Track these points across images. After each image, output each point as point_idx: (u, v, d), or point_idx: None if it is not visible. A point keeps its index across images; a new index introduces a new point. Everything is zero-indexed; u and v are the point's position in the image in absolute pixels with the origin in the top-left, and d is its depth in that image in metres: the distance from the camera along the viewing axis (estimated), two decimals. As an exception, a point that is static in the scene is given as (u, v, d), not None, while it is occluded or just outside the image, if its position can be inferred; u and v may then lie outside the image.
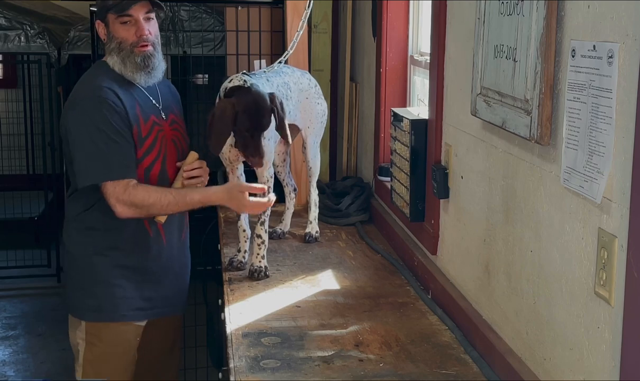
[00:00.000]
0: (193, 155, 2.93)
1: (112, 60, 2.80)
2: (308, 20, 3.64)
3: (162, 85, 2.95)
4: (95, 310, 2.87)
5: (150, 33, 2.77)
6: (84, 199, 2.84)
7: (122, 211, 2.72)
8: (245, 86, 2.97)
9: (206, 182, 2.95)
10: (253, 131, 2.94)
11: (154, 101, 2.88)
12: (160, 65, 2.84)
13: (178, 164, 2.91)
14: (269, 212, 3.24)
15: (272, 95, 3.00)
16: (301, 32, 3.59)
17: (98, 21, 2.81)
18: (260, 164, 3.07)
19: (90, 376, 2.90)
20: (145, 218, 2.83)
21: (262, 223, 3.21)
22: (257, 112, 2.93)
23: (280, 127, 3.07)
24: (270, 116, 2.98)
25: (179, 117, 3.01)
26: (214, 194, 2.90)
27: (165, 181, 2.88)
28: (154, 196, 2.73)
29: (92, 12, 5.67)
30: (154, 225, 2.89)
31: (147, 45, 2.76)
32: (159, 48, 2.83)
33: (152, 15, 2.79)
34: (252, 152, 2.99)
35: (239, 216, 3.29)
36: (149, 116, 2.83)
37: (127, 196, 2.71)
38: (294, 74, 3.45)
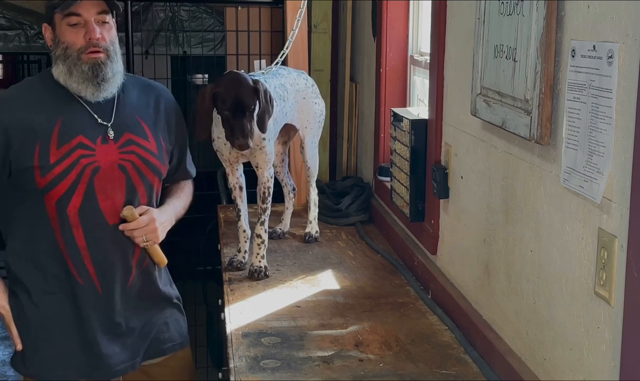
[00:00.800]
0: (127, 209, 2.36)
1: (57, 70, 2.35)
2: (308, 21, 3.64)
3: (136, 97, 2.47)
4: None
5: (103, 38, 2.31)
6: None
7: None
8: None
9: (158, 242, 2.46)
10: (235, 109, 2.87)
11: (99, 119, 2.36)
12: (115, 77, 2.36)
13: (122, 214, 2.37)
14: (269, 212, 3.24)
15: (256, 80, 2.97)
16: (297, 31, 3.59)
17: (45, 24, 2.40)
18: (246, 146, 2.88)
19: None
20: None
21: (262, 223, 3.22)
22: (237, 89, 2.88)
23: (260, 115, 2.93)
24: (253, 95, 2.90)
25: (145, 138, 2.43)
26: None
27: (96, 219, 2.34)
28: None
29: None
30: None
31: (98, 52, 2.30)
32: (117, 57, 2.36)
33: (107, 17, 2.35)
34: (235, 132, 2.86)
35: (239, 216, 3.30)
36: (72, 137, 2.31)
37: None
38: (290, 75, 3.46)
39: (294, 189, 3.78)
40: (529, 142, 2.07)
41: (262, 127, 2.97)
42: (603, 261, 1.74)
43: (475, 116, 2.46)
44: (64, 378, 2.41)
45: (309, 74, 3.91)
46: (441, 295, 2.86)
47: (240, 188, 3.28)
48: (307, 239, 3.64)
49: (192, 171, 2.72)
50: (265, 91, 2.98)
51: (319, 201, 3.74)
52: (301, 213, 3.93)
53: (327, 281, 3.17)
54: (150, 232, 2.38)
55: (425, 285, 3.05)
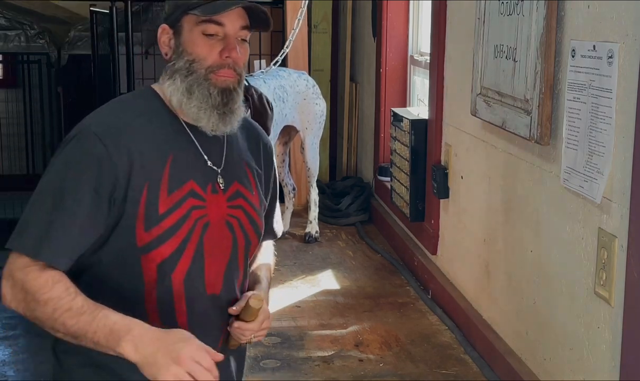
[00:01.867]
0: (257, 300, 1.76)
1: (172, 87, 1.77)
2: (308, 21, 3.64)
3: (241, 138, 1.92)
4: None
5: (240, 60, 1.79)
6: None
7: (4, 290, 1.65)
8: None
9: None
10: None
11: (209, 162, 1.81)
12: (240, 109, 1.84)
13: (233, 309, 1.77)
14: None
15: (248, 86, 2.95)
16: (297, 31, 3.59)
17: (164, 26, 1.81)
18: None
19: None
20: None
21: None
22: None
23: (260, 122, 2.76)
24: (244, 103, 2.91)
25: (250, 190, 1.88)
26: (139, 336, 1.58)
27: (199, 289, 1.76)
28: (57, 290, 1.60)
29: (92, 13, 5.68)
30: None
31: (231, 75, 1.78)
32: (243, 86, 1.84)
33: (248, 36, 1.85)
34: None
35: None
36: (184, 182, 1.75)
37: (22, 275, 1.63)
38: (290, 76, 3.46)
39: (294, 189, 3.78)
40: (529, 142, 2.07)
41: (266, 132, 2.98)
42: (603, 261, 1.74)
43: (475, 116, 2.45)
44: None
45: (309, 74, 3.92)
46: (441, 295, 2.86)
47: (241, 188, 3.28)
48: (307, 239, 3.64)
49: (279, 230, 2.09)
50: (260, 96, 2.98)
51: (319, 201, 3.74)
52: (301, 213, 3.93)
53: (327, 281, 3.17)
54: (262, 331, 1.80)
55: (425, 285, 3.05)
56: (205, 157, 1.79)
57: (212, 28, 1.75)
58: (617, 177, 1.68)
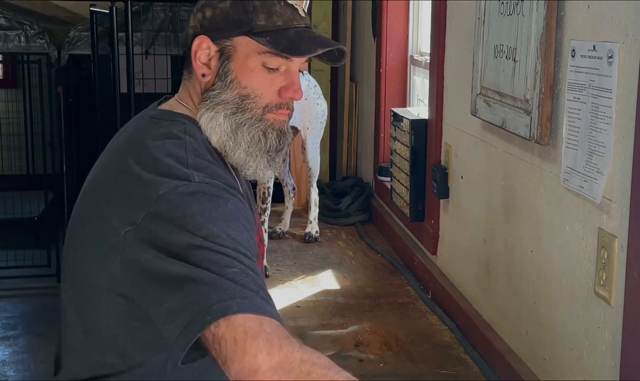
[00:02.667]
0: None
1: (213, 123, 1.42)
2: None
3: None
4: None
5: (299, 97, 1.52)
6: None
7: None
8: None
9: None
10: None
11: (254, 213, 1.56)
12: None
13: None
14: (268, 212, 3.24)
15: None
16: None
17: (204, 38, 1.43)
18: None
19: None
20: None
21: (262, 223, 3.22)
22: None
23: None
24: None
25: None
26: None
27: None
28: (304, 352, 1.24)
29: (92, 13, 5.69)
30: None
31: (288, 116, 1.52)
32: None
33: (306, 66, 1.60)
34: None
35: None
36: (257, 246, 1.47)
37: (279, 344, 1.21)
38: None
39: (294, 189, 3.78)
40: (529, 142, 2.07)
41: None
42: (603, 261, 1.74)
43: (475, 116, 2.45)
44: None
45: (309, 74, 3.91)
46: (441, 295, 2.86)
47: (241, 188, 3.28)
48: (307, 239, 3.64)
49: None
50: None
51: (319, 201, 3.74)
52: (301, 213, 3.93)
53: (327, 281, 3.17)
54: None
55: (425, 285, 3.05)
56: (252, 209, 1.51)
57: (277, 62, 1.43)
58: (617, 177, 1.68)
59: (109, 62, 4.92)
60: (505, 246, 2.33)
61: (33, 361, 5.36)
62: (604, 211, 1.74)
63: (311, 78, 3.63)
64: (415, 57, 3.87)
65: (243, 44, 1.41)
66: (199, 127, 1.43)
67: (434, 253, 3.02)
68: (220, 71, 1.43)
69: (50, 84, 6.91)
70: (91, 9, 5.71)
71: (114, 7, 4.67)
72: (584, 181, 1.79)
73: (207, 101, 1.43)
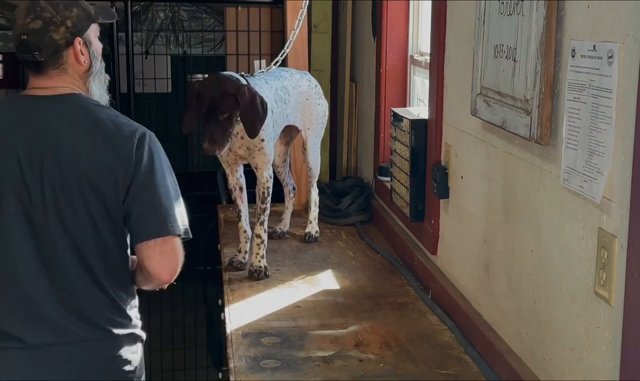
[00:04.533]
0: None
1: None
2: (308, 21, 3.64)
3: None
4: None
5: None
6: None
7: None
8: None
9: None
10: (209, 114, 2.88)
11: None
12: None
13: None
14: (268, 212, 3.24)
15: (241, 85, 2.93)
16: (297, 31, 3.59)
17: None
18: (210, 152, 2.89)
19: None
20: None
21: (262, 223, 3.22)
22: (214, 94, 2.88)
23: (249, 121, 2.90)
24: (232, 102, 2.88)
25: None
26: None
27: None
28: None
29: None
30: None
31: None
32: None
33: None
34: (205, 137, 2.88)
35: (239, 217, 3.29)
36: None
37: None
38: (292, 77, 3.45)
39: (294, 189, 3.78)
40: (529, 142, 2.07)
41: (251, 133, 2.95)
42: (603, 261, 1.74)
43: (475, 116, 2.45)
44: None
45: (309, 74, 3.91)
46: (441, 295, 2.86)
47: (241, 189, 3.28)
48: (307, 239, 3.64)
49: None
50: (254, 96, 2.92)
51: (319, 201, 3.74)
52: (301, 212, 3.93)
53: (327, 281, 3.17)
54: None
55: (425, 285, 3.05)
56: None
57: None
58: (617, 177, 1.68)
59: (109, 62, 4.92)
60: (505, 246, 2.33)
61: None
62: (604, 211, 1.74)
63: (312, 78, 3.62)
64: (415, 57, 3.87)
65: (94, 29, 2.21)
66: None
67: (434, 253, 3.02)
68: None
69: (50, 84, 6.89)
70: (91, 8, 5.69)
71: (114, 7, 4.67)
72: (584, 181, 1.79)
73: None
